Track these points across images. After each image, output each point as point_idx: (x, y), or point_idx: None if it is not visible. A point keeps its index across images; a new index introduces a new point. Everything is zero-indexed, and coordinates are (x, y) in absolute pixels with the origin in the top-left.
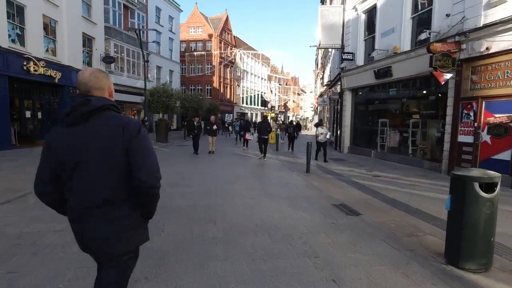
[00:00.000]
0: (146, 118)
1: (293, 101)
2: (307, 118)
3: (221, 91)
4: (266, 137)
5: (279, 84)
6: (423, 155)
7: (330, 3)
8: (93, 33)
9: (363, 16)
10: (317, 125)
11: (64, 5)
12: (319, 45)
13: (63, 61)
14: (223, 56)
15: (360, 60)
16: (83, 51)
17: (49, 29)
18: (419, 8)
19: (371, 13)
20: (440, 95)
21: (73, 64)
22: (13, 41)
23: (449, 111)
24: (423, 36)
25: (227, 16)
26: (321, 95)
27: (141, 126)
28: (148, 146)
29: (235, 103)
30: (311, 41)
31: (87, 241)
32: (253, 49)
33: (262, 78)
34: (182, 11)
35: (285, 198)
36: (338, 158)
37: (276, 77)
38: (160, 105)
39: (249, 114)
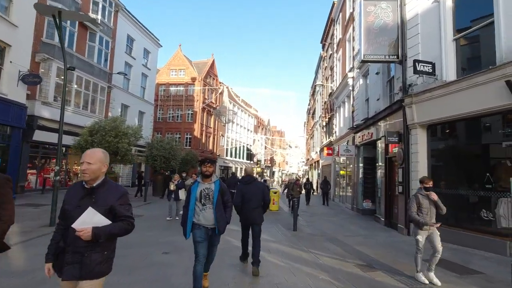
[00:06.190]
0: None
1: (281, 155)
2: (293, 174)
3: (203, 141)
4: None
5: (267, 137)
6: None
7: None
8: (9, 39)
9: (449, 2)
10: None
11: None
12: (363, 57)
13: None
14: (206, 102)
15: (449, 73)
16: None
17: None
18: None
19: None
20: None
21: None
22: None
23: None
24: None
25: (213, 60)
26: (329, 144)
27: (265, 185)
28: (267, 191)
29: (219, 155)
30: (295, 96)
31: (249, 218)
32: (239, 97)
33: (248, 130)
34: (161, 46)
35: None
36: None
37: (262, 128)
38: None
39: (233, 168)
